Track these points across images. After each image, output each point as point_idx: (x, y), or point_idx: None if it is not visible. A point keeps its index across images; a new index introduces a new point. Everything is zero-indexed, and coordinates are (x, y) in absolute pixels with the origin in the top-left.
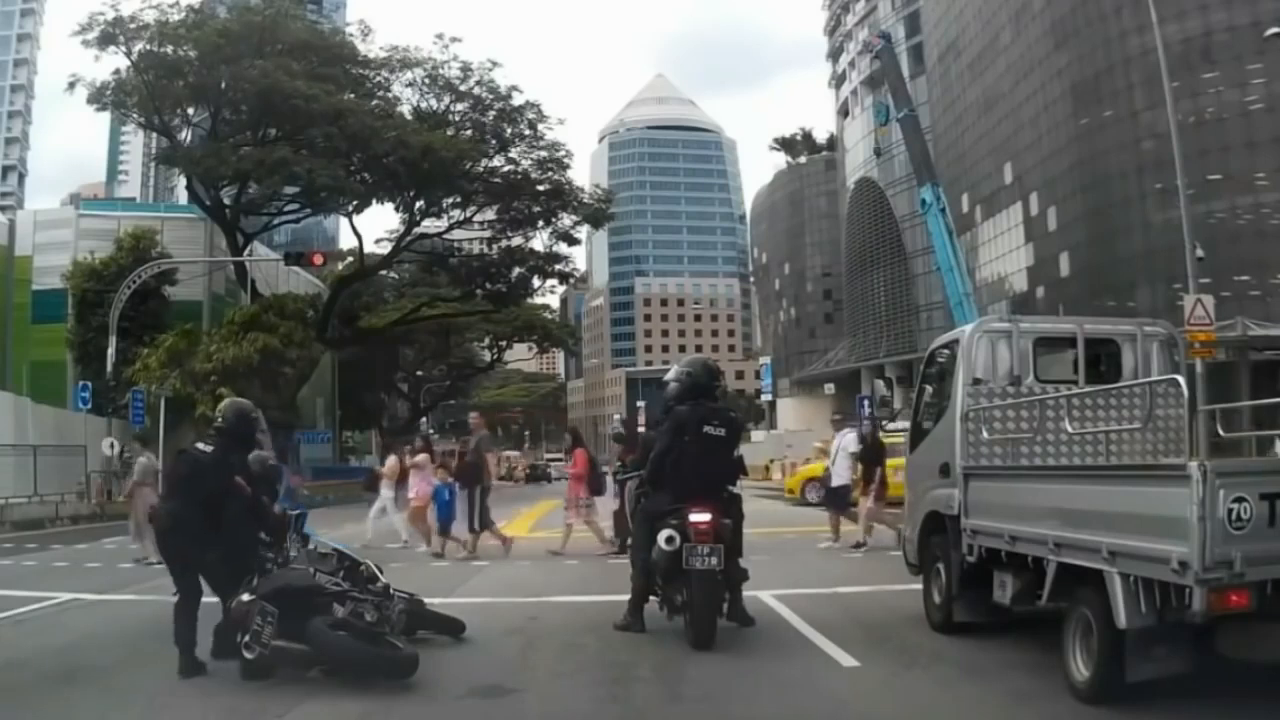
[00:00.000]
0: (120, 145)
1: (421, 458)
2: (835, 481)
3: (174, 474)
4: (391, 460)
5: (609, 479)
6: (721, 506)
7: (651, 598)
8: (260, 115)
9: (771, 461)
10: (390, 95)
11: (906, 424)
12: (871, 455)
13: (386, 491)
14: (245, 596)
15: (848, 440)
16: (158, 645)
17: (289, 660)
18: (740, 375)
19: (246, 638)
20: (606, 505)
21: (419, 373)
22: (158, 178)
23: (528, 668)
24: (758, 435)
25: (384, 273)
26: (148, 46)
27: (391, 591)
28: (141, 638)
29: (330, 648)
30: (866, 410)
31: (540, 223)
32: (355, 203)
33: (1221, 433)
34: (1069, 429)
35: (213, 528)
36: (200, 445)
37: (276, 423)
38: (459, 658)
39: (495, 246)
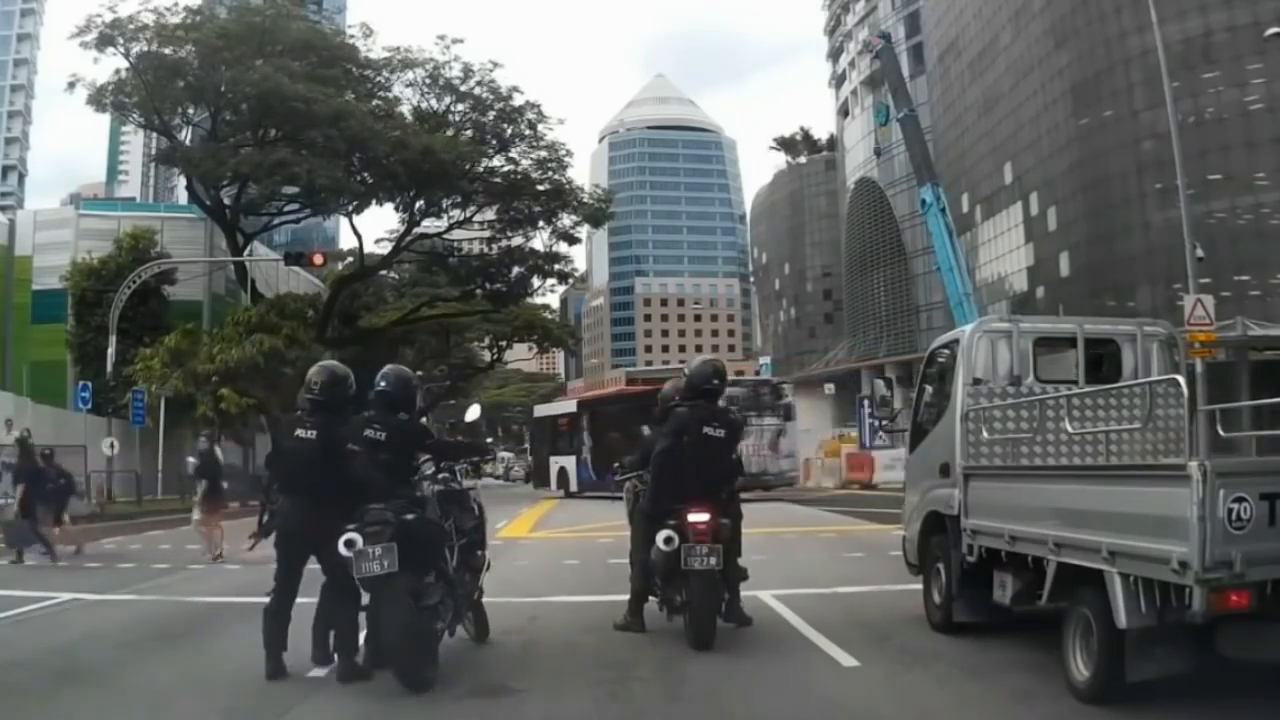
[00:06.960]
0: (120, 145)
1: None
2: None
3: (280, 467)
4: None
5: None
6: (720, 507)
7: (651, 598)
8: (260, 116)
9: None
10: (391, 96)
11: None
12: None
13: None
14: (384, 509)
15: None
16: (158, 645)
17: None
18: (740, 375)
19: (357, 537)
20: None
21: (419, 373)
22: (158, 178)
23: (528, 668)
24: None
25: (384, 273)
26: (147, 48)
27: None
28: (141, 638)
29: (389, 619)
30: (867, 410)
31: (540, 223)
32: (355, 203)
33: (1221, 433)
34: (1069, 429)
35: (336, 514)
36: (300, 432)
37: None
38: (459, 658)
39: (495, 246)
